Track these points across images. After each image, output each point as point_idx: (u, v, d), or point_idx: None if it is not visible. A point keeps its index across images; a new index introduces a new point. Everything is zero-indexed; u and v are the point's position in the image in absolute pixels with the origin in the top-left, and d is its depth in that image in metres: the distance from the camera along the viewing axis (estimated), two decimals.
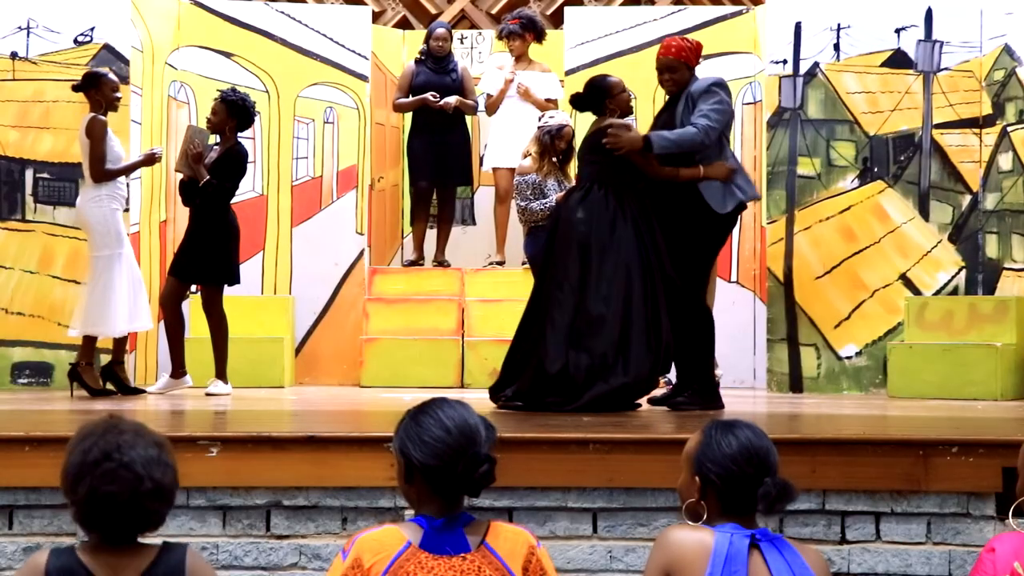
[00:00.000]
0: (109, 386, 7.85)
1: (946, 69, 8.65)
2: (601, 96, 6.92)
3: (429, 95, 9.64)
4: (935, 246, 8.63)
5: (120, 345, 7.94)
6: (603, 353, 6.55)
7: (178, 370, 8.05)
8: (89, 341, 7.89)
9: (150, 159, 8.16)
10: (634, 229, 6.66)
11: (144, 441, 2.79)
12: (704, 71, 7.19)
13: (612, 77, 7.06)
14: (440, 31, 9.84)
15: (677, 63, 6.79)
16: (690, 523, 3.17)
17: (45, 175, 8.84)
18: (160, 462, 2.78)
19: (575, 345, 6.58)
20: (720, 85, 6.78)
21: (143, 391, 8.00)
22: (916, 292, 8.58)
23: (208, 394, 7.87)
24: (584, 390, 6.50)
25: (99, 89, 7.85)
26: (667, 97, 6.96)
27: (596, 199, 6.73)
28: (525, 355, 6.71)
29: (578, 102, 7.03)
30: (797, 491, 3.17)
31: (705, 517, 3.16)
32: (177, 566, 2.83)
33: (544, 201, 8.53)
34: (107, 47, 8.93)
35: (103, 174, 7.78)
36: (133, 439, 2.78)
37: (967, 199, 8.61)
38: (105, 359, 8.01)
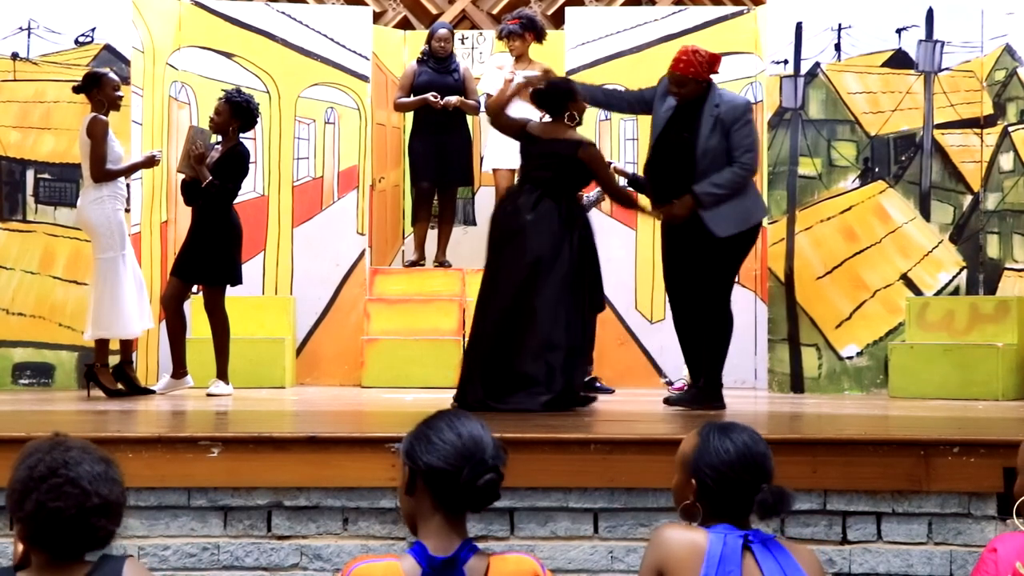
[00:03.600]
0: (120, 386, 7.86)
1: (947, 69, 8.64)
2: (566, 98, 6.91)
3: (430, 95, 9.64)
4: (936, 246, 8.63)
5: (127, 345, 7.95)
6: (528, 357, 6.63)
7: (179, 370, 8.04)
8: (102, 343, 7.90)
9: (150, 161, 8.14)
10: (580, 243, 6.77)
11: (91, 458, 2.76)
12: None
13: (573, 83, 7.16)
14: (442, 31, 9.84)
15: (684, 78, 6.77)
16: (684, 523, 3.16)
17: (46, 176, 8.84)
18: (107, 478, 2.75)
19: (507, 347, 6.67)
20: (750, 110, 6.88)
21: (152, 391, 8.00)
22: (917, 292, 8.58)
23: (209, 395, 7.87)
24: (507, 394, 6.59)
25: (101, 89, 7.83)
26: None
27: (547, 209, 6.79)
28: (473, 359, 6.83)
29: (541, 99, 7.01)
30: (794, 498, 3.16)
31: (700, 519, 3.16)
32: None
33: None
34: (108, 48, 8.93)
35: (104, 174, 7.77)
36: (79, 455, 2.75)
37: (968, 199, 8.60)
38: (108, 359, 8.01)
